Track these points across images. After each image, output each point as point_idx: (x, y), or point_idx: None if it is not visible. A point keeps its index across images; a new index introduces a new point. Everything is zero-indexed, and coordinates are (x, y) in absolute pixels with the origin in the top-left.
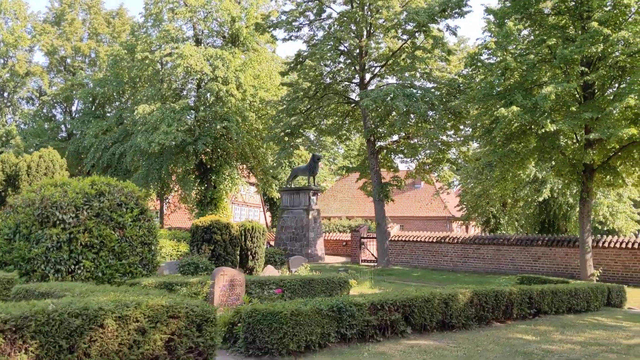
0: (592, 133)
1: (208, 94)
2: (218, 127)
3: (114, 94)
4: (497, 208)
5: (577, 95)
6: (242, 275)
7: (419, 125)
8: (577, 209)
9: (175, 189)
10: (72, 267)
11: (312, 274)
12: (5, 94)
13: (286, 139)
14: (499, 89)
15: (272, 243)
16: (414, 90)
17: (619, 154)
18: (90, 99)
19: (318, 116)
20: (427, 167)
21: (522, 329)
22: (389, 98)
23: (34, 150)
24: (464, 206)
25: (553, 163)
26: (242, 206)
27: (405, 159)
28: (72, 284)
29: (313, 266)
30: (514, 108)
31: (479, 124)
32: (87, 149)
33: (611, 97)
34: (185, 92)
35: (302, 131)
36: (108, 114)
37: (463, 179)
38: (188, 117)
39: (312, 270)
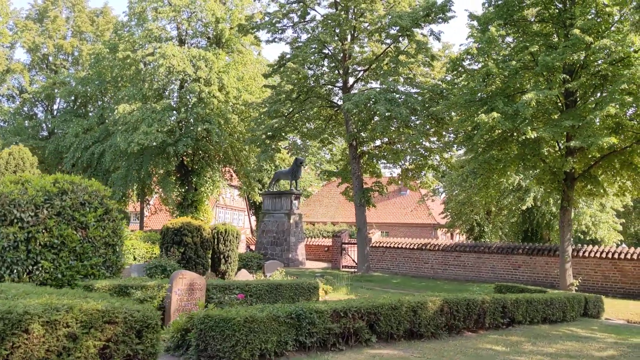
0: (573, 141)
1: (190, 95)
2: (199, 128)
3: (97, 92)
4: (481, 216)
5: (559, 103)
6: (203, 279)
7: (401, 130)
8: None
9: (156, 191)
10: (30, 267)
11: (287, 278)
12: None
13: (267, 141)
14: (481, 96)
15: (253, 247)
16: (396, 95)
17: (600, 163)
18: (72, 98)
19: (300, 119)
20: (410, 173)
21: (493, 339)
22: (370, 102)
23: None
24: (448, 214)
25: (535, 171)
26: (227, 210)
27: (387, 165)
28: (8, 285)
29: (292, 271)
30: (495, 114)
31: (460, 131)
32: (67, 148)
33: (592, 106)
34: (167, 93)
35: (284, 134)
36: (90, 113)
37: (448, 186)
38: (169, 118)
39: (289, 275)
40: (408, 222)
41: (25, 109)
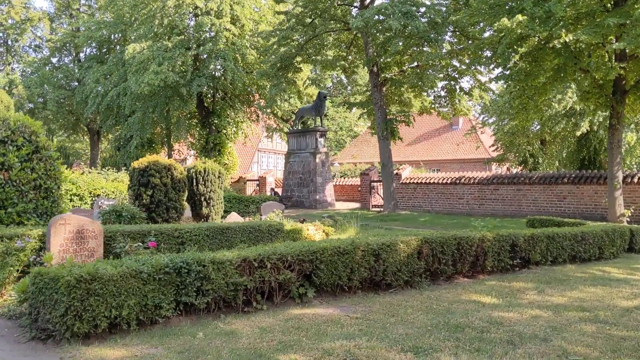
0: (617, 43)
1: (201, 30)
2: (211, 66)
3: (117, 36)
4: (535, 147)
5: (606, 2)
6: (98, 224)
7: (420, 49)
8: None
9: (177, 135)
10: None
11: (282, 221)
12: (9, 42)
13: (280, 73)
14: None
15: (280, 190)
16: (413, 8)
17: None
18: (94, 44)
19: (314, 46)
20: (443, 100)
21: (488, 287)
22: (383, 17)
23: (38, 98)
24: (499, 145)
25: (580, 86)
26: (269, 154)
27: (416, 92)
28: None
29: (299, 214)
30: (519, 17)
31: (487, 45)
32: (88, 95)
33: None
34: (178, 29)
35: (297, 65)
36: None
37: (496, 115)
38: (180, 56)
39: (288, 217)
40: (460, 157)
41: (54, 59)
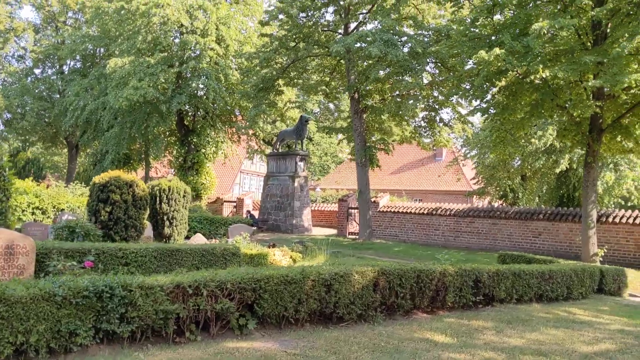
0: (593, 81)
1: (185, 48)
2: (193, 84)
3: (101, 50)
4: (515, 182)
5: (586, 41)
6: (30, 239)
7: (400, 77)
8: (599, 182)
9: (164, 154)
10: None
11: (249, 245)
12: None
13: (260, 94)
14: (485, 33)
15: (257, 213)
16: (395, 36)
17: (634, 110)
18: (78, 58)
19: (296, 70)
20: (423, 130)
21: (446, 324)
22: (364, 44)
23: (17, 108)
24: (480, 179)
25: (557, 122)
26: (253, 175)
27: (397, 120)
28: None
29: (279, 238)
30: (497, 51)
31: (468, 78)
32: (67, 108)
33: (623, 38)
34: (162, 46)
35: (279, 87)
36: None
37: (478, 148)
38: (162, 73)
39: (255, 241)
40: (443, 189)
41: (37, 70)
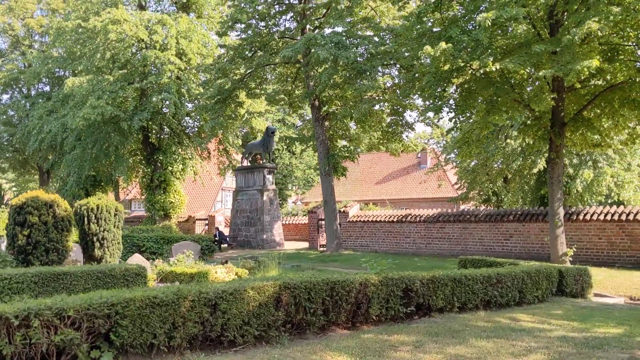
0: (544, 70)
1: (145, 64)
2: (154, 99)
3: (67, 73)
4: (498, 184)
5: (542, 34)
6: None
7: (361, 81)
8: (578, 180)
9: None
10: None
11: (189, 263)
12: None
13: (217, 106)
14: (435, 29)
15: (227, 230)
16: (346, 39)
17: (595, 102)
18: (45, 81)
19: (255, 79)
20: (390, 135)
21: (359, 342)
22: (312, 48)
23: None
24: (461, 184)
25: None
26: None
27: (361, 126)
28: None
29: (248, 254)
30: (443, 45)
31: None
32: (30, 132)
33: (573, 25)
34: (119, 63)
35: (237, 99)
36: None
37: (455, 152)
38: (121, 90)
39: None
40: (429, 196)
41: (6, 95)
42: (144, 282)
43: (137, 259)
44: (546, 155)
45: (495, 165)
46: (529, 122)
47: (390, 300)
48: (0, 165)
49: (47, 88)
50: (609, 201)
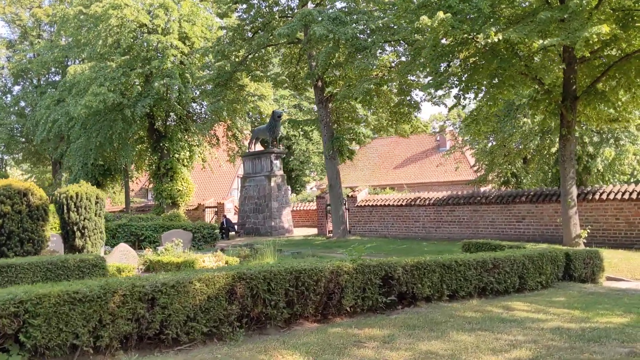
0: (550, 38)
1: (146, 48)
2: (156, 84)
3: (76, 60)
4: (517, 166)
5: (553, 2)
6: None
7: (352, 59)
8: (598, 159)
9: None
10: None
11: (177, 252)
12: None
13: (218, 89)
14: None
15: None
16: (343, 15)
17: (609, 73)
18: (53, 70)
19: (256, 61)
20: (399, 116)
21: (322, 337)
22: (309, 25)
23: None
24: (479, 166)
25: (525, 91)
26: None
27: (366, 107)
28: None
29: (255, 241)
30: (441, 15)
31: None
32: (37, 122)
33: None
34: (121, 49)
35: (239, 81)
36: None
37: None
38: (123, 76)
39: (186, 248)
40: (449, 179)
41: (17, 87)
42: (102, 274)
43: (122, 248)
44: None
45: (514, 146)
46: (538, 96)
47: (367, 290)
48: (15, 157)
49: (57, 78)
50: (632, 180)
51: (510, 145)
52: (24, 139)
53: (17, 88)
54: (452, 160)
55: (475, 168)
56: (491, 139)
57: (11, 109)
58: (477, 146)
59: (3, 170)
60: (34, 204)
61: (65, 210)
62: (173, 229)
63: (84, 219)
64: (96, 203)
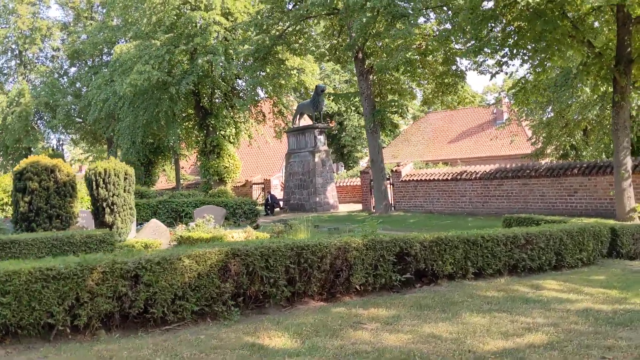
0: None
1: (189, 25)
2: (200, 61)
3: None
4: (576, 137)
5: None
6: None
7: (391, 26)
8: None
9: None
10: None
11: (207, 228)
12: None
13: (256, 64)
14: None
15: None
16: None
17: None
18: (105, 50)
19: (296, 34)
20: (445, 87)
21: (323, 318)
22: None
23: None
24: (536, 138)
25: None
26: None
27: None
28: None
29: (298, 217)
30: None
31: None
32: (90, 101)
33: None
34: (165, 26)
35: (278, 55)
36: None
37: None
38: (168, 54)
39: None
40: (503, 154)
41: (73, 69)
42: (110, 250)
43: (153, 225)
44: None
45: (574, 117)
46: (588, 60)
47: (380, 267)
48: (74, 137)
49: (108, 58)
50: None
51: (569, 116)
52: (80, 119)
53: (72, 70)
54: (508, 133)
55: (532, 141)
56: (549, 110)
57: (68, 90)
58: (534, 117)
59: (60, 149)
60: (62, 180)
61: (95, 187)
62: (204, 205)
63: (113, 195)
64: (125, 179)
